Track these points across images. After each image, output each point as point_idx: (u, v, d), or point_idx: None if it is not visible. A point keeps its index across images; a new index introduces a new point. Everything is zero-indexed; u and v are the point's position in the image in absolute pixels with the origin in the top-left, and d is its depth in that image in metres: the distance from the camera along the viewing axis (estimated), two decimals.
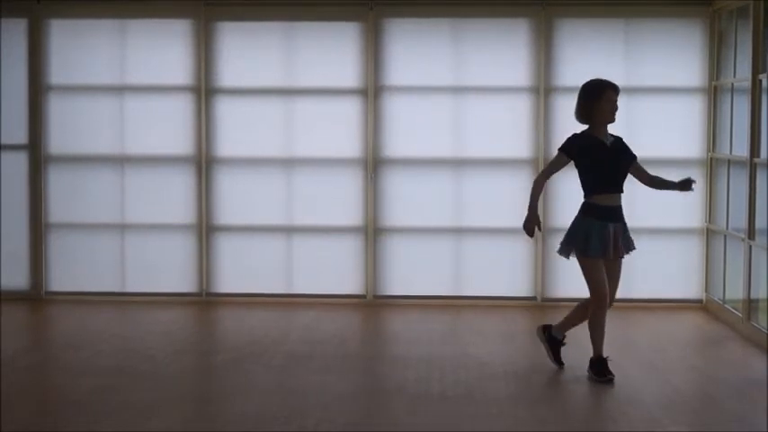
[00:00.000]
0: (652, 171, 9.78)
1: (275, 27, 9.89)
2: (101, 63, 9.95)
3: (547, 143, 9.76)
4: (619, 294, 9.75)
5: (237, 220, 9.97)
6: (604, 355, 7.13)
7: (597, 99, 7.13)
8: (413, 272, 9.91)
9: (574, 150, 7.17)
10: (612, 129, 9.80)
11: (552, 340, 7.44)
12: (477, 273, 9.93)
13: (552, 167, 7.33)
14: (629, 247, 7.30)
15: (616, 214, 7.19)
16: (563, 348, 7.45)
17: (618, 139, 7.29)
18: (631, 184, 9.78)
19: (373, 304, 9.82)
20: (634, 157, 7.34)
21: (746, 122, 8.65)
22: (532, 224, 7.28)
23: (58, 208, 10.02)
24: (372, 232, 9.87)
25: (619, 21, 9.73)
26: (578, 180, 10.14)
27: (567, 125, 9.70)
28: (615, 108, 7.18)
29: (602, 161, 7.16)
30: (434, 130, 9.84)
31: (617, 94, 7.18)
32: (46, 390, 7.02)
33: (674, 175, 9.71)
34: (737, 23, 9.12)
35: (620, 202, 7.23)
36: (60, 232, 10.04)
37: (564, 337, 7.46)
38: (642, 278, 9.80)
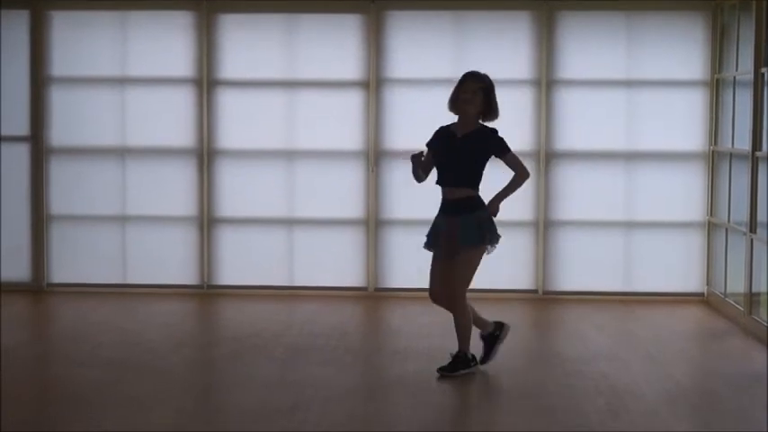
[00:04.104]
0: (654, 164, 9.85)
1: (277, 19, 9.90)
2: (102, 55, 9.95)
3: (549, 136, 9.76)
4: (620, 287, 9.86)
5: (239, 212, 9.99)
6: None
7: (456, 90, 7.02)
8: (414, 264, 9.87)
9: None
10: (615, 122, 9.78)
11: (487, 339, 7.25)
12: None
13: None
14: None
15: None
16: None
17: (478, 131, 7.00)
18: (633, 177, 9.83)
19: (374, 297, 9.82)
20: (499, 151, 6.97)
21: (748, 116, 8.66)
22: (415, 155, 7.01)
23: (60, 200, 10.02)
24: (374, 225, 9.87)
25: (620, 14, 9.72)
26: (579, 172, 10.12)
27: (570, 118, 9.80)
28: (465, 99, 6.94)
29: (444, 153, 7.01)
30: (435, 122, 9.75)
31: (474, 84, 6.94)
32: (47, 382, 7.02)
33: (677, 170, 9.79)
34: (740, 17, 9.12)
35: (459, 195, 6.95)
36: (62, 224, 10.05)
37: (493, 329, 7.26)
38: (644, 271, 9.84)
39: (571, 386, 6.83)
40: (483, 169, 6.95)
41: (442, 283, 7.00)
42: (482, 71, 7.00)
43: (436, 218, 7.05)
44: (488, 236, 6.92)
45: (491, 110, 6.96)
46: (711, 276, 9.74)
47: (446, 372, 6.98)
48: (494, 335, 7.25)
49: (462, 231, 6.88)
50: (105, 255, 10.04)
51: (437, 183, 7.03)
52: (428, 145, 7.11)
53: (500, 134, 6.94)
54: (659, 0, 9.70)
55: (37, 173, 9.97)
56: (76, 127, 9.99)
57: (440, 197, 7.04)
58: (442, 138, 7.05)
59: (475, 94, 6.90)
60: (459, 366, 7.01)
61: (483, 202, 6.94)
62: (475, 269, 6.97)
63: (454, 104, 7.00)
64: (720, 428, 6.09)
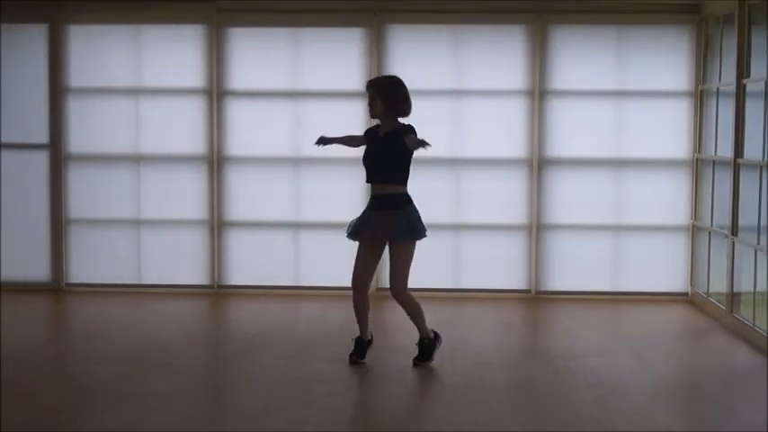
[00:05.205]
0: (641, 170, 9.87)
1: (283, 32, 10.01)
2: (118, 66, 10.05)
3: (541, 144, 9.89)
4: (608, 287, 9.91)
5: (248, 215, 10.10)
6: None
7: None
8: (414, 265, 9.91)
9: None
10: (605, 131, 9.89)
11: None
12: (474, 266, 10.06)
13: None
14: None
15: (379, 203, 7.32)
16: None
17: (397, 130, 7.29)
18: (621, 183, 9.96)
19: (376, 296, 9.52)
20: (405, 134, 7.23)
21: (731, 125, 8.75)
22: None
23: (78, 204, 10.15)
24: None
25: (610, 28, 9.82)
26: (570, 178, 10.18)
27: (561, 126, 9.87)
28: (367, 108, 7.44)
29: (368, 152, 7.42)
30: (434, 131, 9.77)
31: (369, 91, 7.36)
32: (64, 377, 7.09)
33: (663, 176, 9.83)
34: (723, 30, 9.16)
35: (387, 191, 7.29)
36: (80, 227, 10.17)
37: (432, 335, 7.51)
38: (631, 272, 9.96)
39: (561, 381, 6.96)
40: (407, 165, 7.28)
41: (365, 270, 7.34)
42: (373, 76, 7.55)
43: (364, 211, 7.39)
44: (419, 229, 7.26)
45: (395, 106, 7.30)
46: (695, 277, 9.83)
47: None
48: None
49: (393, 231, 7.18)
50: (121, 256, 10.14)
51: (366, 181, 7.39)
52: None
53: (413, 129, 7.24)
54: (647, 14, 9.77)
55: (56, 179, 10.09)
56: (93, 135, 10.10)
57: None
58: (368, 139, 7.46)
59: (373, 99, 7.30)
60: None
61: (411, 199, 7.29)
62: (411, 261, 7.29)
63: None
64: (703, 420, 6.22)
